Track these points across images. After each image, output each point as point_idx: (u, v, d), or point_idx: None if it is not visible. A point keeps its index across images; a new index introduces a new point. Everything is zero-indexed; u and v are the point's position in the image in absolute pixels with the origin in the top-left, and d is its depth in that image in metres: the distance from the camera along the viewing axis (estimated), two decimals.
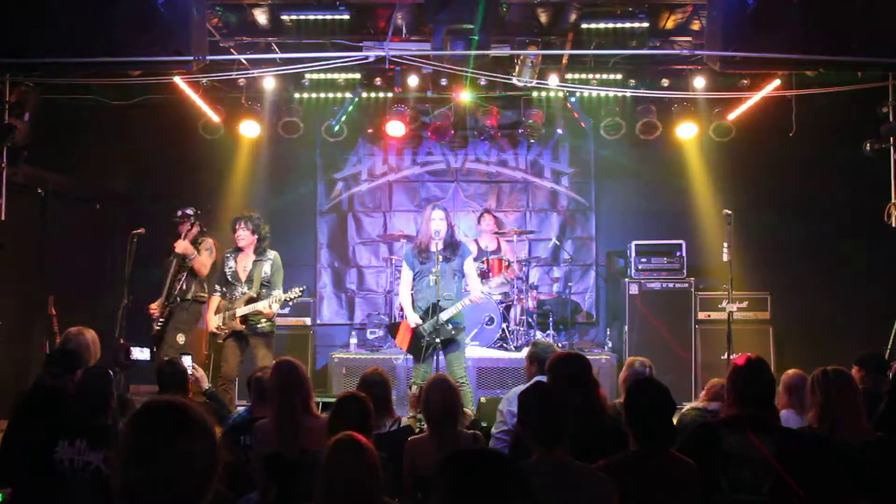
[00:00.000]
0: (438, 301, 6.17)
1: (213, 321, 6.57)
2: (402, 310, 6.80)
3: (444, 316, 6.19)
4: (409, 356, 6.56)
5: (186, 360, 5.56)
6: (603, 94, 8.18)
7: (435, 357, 6.27)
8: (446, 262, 6.26)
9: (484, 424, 5.48)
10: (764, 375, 3.39)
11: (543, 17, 6.94)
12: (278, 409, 4.01)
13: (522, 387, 4.56)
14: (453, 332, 6.24)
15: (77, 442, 3.59)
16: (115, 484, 1.75)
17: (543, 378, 4.32)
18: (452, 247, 6.35)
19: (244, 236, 6.61)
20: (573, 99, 8.44)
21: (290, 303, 6.68)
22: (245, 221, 6.62)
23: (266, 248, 6.70)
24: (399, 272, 8.49)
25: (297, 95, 8.33)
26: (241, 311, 6.45)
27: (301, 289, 6.49)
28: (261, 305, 6.42)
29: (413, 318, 6.31)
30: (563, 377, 3.90)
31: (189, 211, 6.91)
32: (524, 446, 3.12)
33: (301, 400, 4.01)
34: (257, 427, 4.01)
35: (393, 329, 6.78)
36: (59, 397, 4.42)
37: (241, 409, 5.56)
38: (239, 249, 6.68)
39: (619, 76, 7.92)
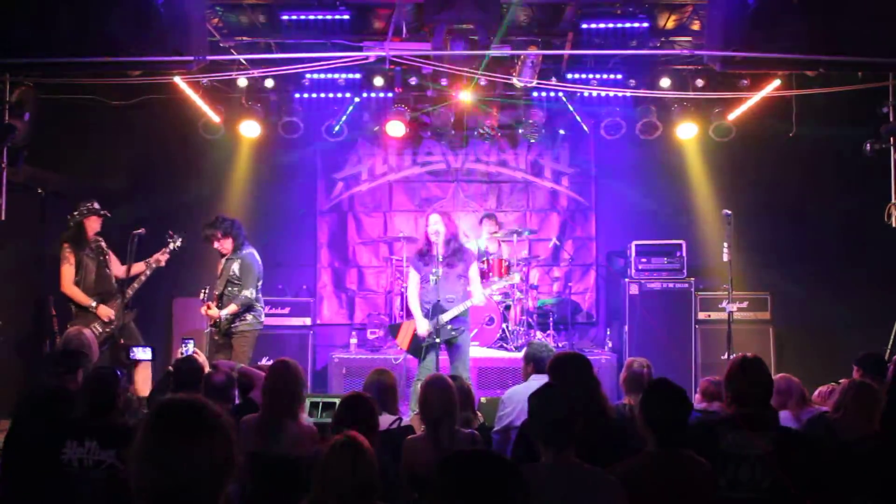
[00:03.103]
0: (439, 301, 6.19)
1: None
2: (404, 310, 6.82)
3: (444, 317, 6.21)
4: (409, 356, 6.58)
5: (189, 346, 5.61)
6: (603, 93, 8.18)
7: (436, 357, 6.30)
8: (449, 266, 6.28)
9: (485, 424, 5.48)
10: (761, 374, 3.40)
11: (543, 17, 6.95)
12: (264, 411, 4.04)
13: (519, 387, 4.57)
14: (454, 333, 6.27)
15: (87, 442, 3.58)
16: (132, 483, 1.74)
17: (539, 377, 4.32)
18: (455, 251, 6.36)
19: (224, 245, 6.74)
20: (573, 98, 8.44)
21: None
22: (212, 231, 6.71)
23: (240, 246, 6.73)
24: (399, 272, 8.58)
25: (297, 95, 8.33)
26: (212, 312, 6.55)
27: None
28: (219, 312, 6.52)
29: (423, 326, 6.29)
30: (565, 377, 3.90)
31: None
32: (528, 448, 3.12)
33: (287, 405, 4.02)
34: (243, 421, 4.03)
35: (394, 329, 6.80)
36: (62, 397, 4.42)
37: None
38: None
39: (619, 76, 7.92)
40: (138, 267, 6.84)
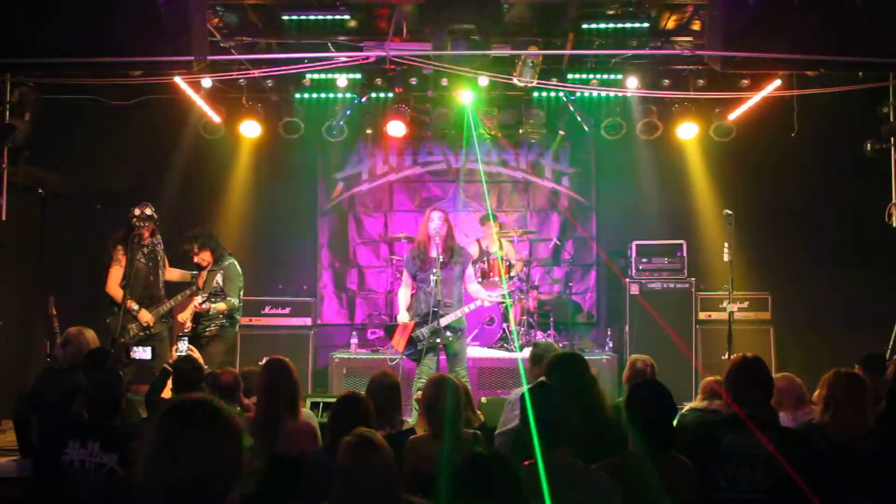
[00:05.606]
0: (438, 304, 6.19)
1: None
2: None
3: (443, 321, 6.22)
4: (405, 357, 6.60)
5: (183, 344, 5.60)
6: (603, 93, 8.17)
7: (436, 358, 6.30)
8: (446, 267, 6.28)
9: (486, 424, 5.48)
10: (761, 374, 3.40)
11: (544, 17, 6.94)
12: (262, 408, 4.03)
13: (525, 388, 4.56)
14: (451, 339, 6.27)
15: (90, 444, 3.58)
16: (139, 481, 1.74)
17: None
18: (452, 251, 6.36)
19: (202, 258, 6.78)
20: (573, 98, 8.44)
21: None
22: (189, 246, 6.72)
23: (220, 258, 6.81)
24: (400, 273, 8.56)
25: (297, 95, 8.33)
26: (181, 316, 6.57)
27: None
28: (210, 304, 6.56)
29: (403, 317, 6.40)
30: (560, 376, 3.90)
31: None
32: (525, 447, 3.12)
33: (285, 401, 4.01)
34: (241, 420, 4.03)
35: (390, 330, 6.80)
36: (64, 398, 4.42)
37: None
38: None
39: (619, 76, 7.91)
40: (177, 274, 6.93)
